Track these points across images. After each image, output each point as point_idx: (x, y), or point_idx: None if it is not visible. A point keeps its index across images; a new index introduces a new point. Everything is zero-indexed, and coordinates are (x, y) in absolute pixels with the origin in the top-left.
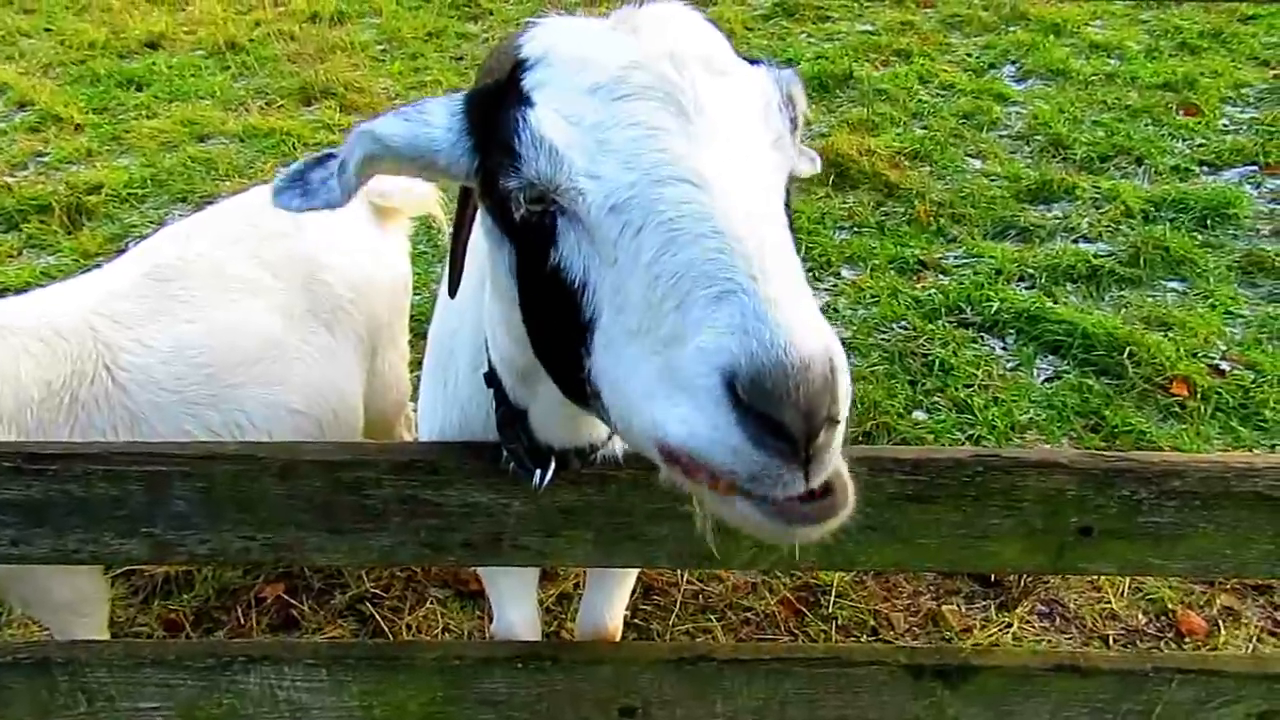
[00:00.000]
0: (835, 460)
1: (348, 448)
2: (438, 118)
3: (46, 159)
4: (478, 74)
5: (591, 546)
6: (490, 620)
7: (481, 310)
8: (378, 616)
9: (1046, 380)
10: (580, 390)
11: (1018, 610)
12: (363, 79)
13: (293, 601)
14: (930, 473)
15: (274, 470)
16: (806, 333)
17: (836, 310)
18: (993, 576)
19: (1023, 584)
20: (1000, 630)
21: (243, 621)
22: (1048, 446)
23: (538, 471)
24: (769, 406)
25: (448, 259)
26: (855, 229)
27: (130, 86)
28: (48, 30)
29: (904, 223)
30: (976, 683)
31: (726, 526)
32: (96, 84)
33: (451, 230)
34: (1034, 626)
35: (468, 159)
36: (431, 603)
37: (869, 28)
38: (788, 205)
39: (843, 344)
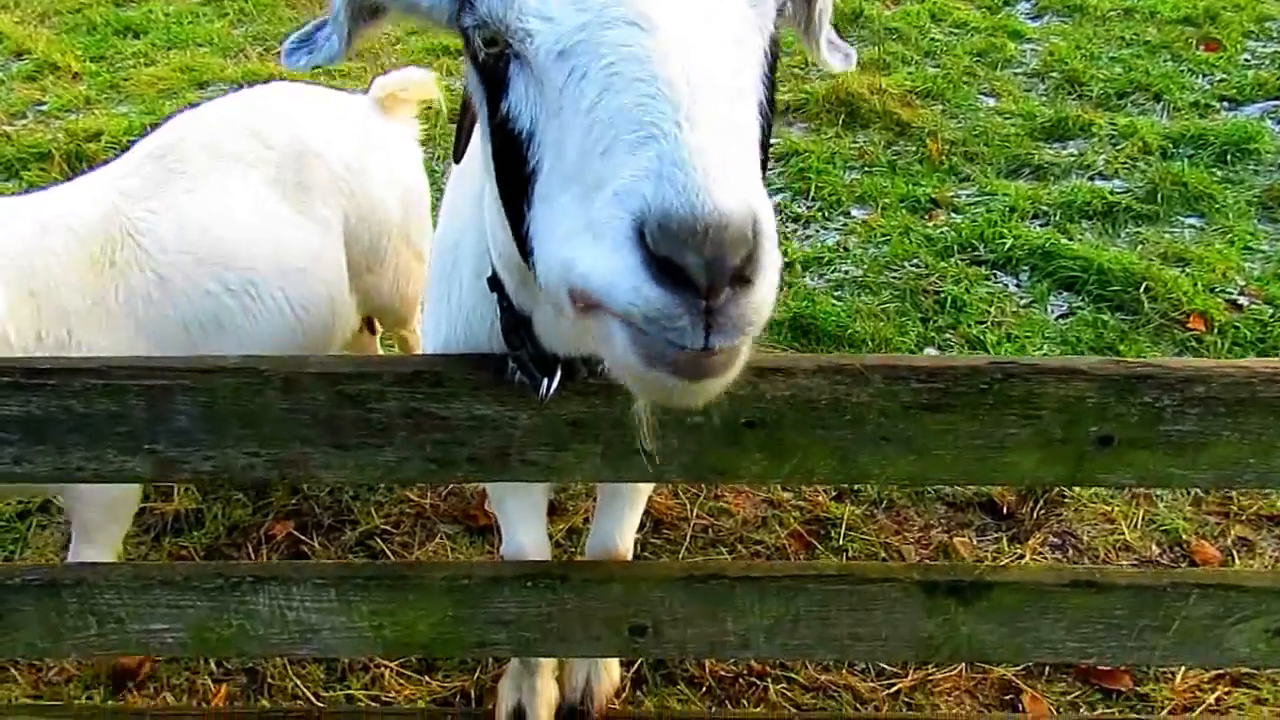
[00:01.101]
0: (750, 327)
1: (351, 360)
2: None
3: (45, 107)
4: None
5: (600, 460)
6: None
7: (484, 217)
8: (388, 551)
9: (1060, 316)
10: (524, 249)
11: (1030, 542)
12: None
13: (303, 538)
14: (947, 380)
15: (276, 383)
16: (726, 186)
17: (847, 249)
18: (1005, 508)
19: (1034, 516)
20: (1012, 561)
21: (253, 558)
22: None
23: (544, 380)
24: (672, 250)
25: (455, 129)
26: (866, 168)
27: (128, 34)
28: None
29: (915, 161)
30: (991, 599)
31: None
32: (93, 32)
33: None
34: (1046, 558)
35: (448, 1)
36: (441, 538)
37: None
38: (771, 74)
39: (853, 283)
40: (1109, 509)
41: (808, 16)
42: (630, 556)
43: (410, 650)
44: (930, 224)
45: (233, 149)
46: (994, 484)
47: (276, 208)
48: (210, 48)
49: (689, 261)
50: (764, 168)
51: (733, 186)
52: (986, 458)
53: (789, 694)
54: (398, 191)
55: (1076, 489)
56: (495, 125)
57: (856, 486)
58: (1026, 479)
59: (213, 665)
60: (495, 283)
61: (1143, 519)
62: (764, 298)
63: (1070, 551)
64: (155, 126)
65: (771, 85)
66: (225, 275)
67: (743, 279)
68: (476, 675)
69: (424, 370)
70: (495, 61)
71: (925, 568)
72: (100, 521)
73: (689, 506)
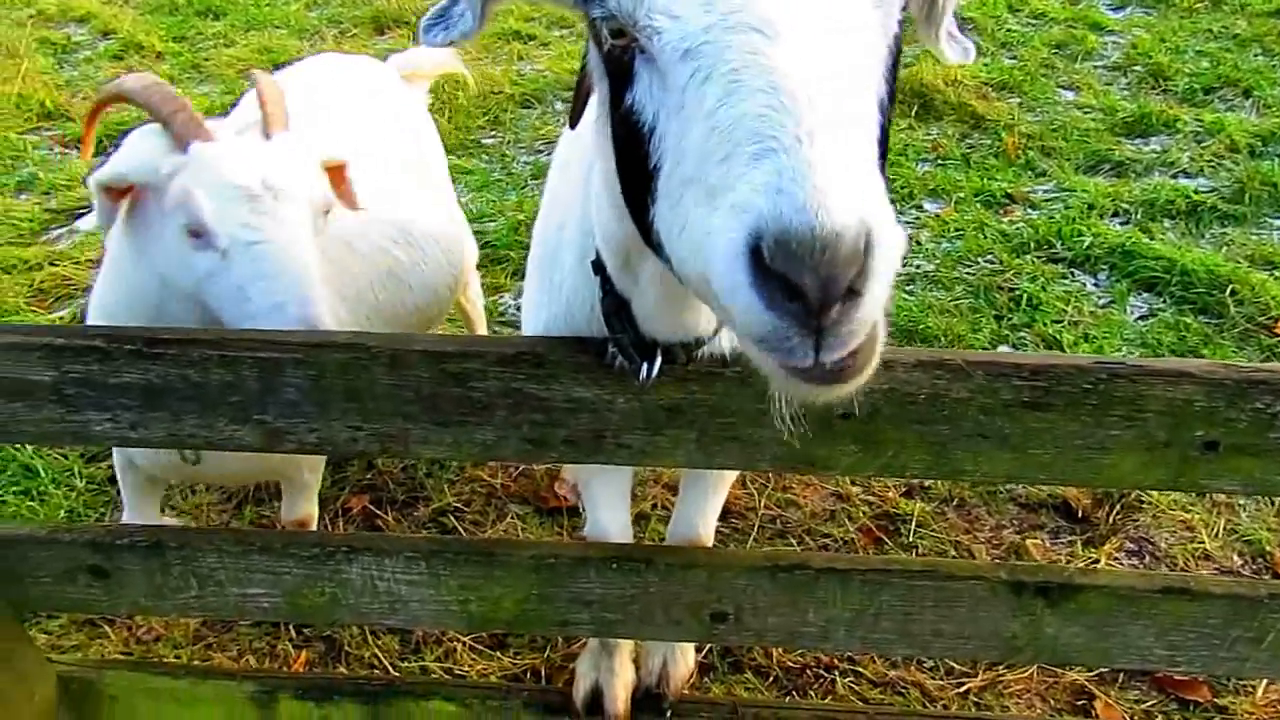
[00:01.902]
0: (856, 339)
1: (455, 340)
2: None
3: None
4: None
5: (694, 447)
6: (568, 532)
7: (589, 205)
8: (460, 529)
9: (1140, 318)
10: (651, 240)
11: (1105, 547)
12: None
13: (377, 512)
14: (1050, 379)
15: (383, 360)
16: (843, 201)
17: (919, 244)
18: (1079, 511)
19: (1110, 520)
20: (1086, 566)
21: (329, 529)
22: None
23: (644, 365)
24: (787, 268)
25: (573, 96)
26: (939, 161)
27: (208, 15)
28: None
29: (990, 155)
30: (1079, 601)
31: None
32: (175, 13)
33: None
34: (1121, 564)
35: None
36: (511, 518)
37: None
38: (893, 73)
39: (925, 277)
40: (1189, 517)
41: (930, 4)
42: (711, 543)
43: (494, 625)
44: (1005, 219)
45: (375, 121)
46: (1092, 485)
47: (404, 173)
48: (287, 30)
49: (804, 281)
50: (884, 161)
51: (849, 201)
52: (1086, 459)
53: (856, 688)
54: (424, 149)
55: (1154, 494)
56: (619, 116)
57: (927, 483)
58: (1126, 481)
59: (293, 631)
60: (598, 266)
61: (1224, 528)
62: (870, 312)
63: (1147, 559)
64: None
65: (893, 79)
66: (397, 233)
67: (853, 291)
68: (547, 654)
69: (526, 352)
70: (621, 54)
71: (1013, 567)
72: (315, 481)
73: (757, 497)
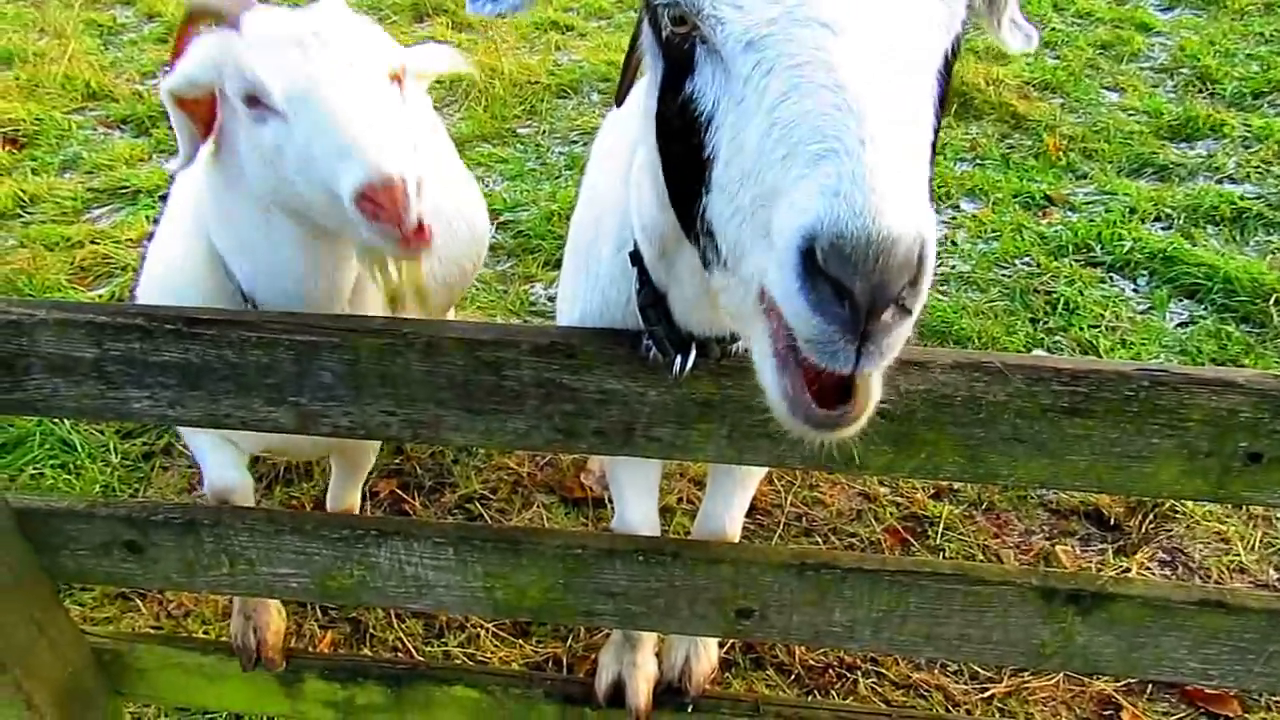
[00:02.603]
0: (893, 352)
1: (490, 328)
2: None
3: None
4: None
5: (725, 442)
6: (593, 523)
7: (628, 196)
8: (485, 516)
9: (1180, 325)
10: (694, 229)
11: (1137, 556)
12: None
13: (404, 496)
14: (1090, 385)
15: (418, 346)
16: (901, 208)
17: (955, 244)
18: (1111, 519)
19: (1143, 529)
20: (1117, 574)
21: (357, 512)
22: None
23: (678, 358)
24: (841, 272)
25: (620, 73)
26: (978, 161)
27: None
28: None
29: (1031, 156)
30: (1112, 611)
31: None
32: None
33: (629, 47)
34: (1153, 573)
35: None
36: (538, 506)
37: None
38: (949, 68)
39: (960, 278)
40: (1224, 528)
41: None
42: (738, 539)
43: (518, 613)
44: (1044, 221)
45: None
46: (1129, 494)
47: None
48: None
49: (856, 287)
50: (932, 164)
51: (906, 208)
52: (1124, 466)
53: (879, 689)
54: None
55: (1189, 504)
56: (676, 104)
57: (956, 486)
58: (1164, 491)
59: (319, 612)
60: (636, 257)
61: (1261, 541)
62: (909, 327)
63: (1180, 569)
64: None
65: (948, 79)
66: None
67: (901, 305)
68: (569, 643)
69: (560, 342)
70: (681, 42)
71: (1045, 574)
72: (368, 465)
73: (783, 494)
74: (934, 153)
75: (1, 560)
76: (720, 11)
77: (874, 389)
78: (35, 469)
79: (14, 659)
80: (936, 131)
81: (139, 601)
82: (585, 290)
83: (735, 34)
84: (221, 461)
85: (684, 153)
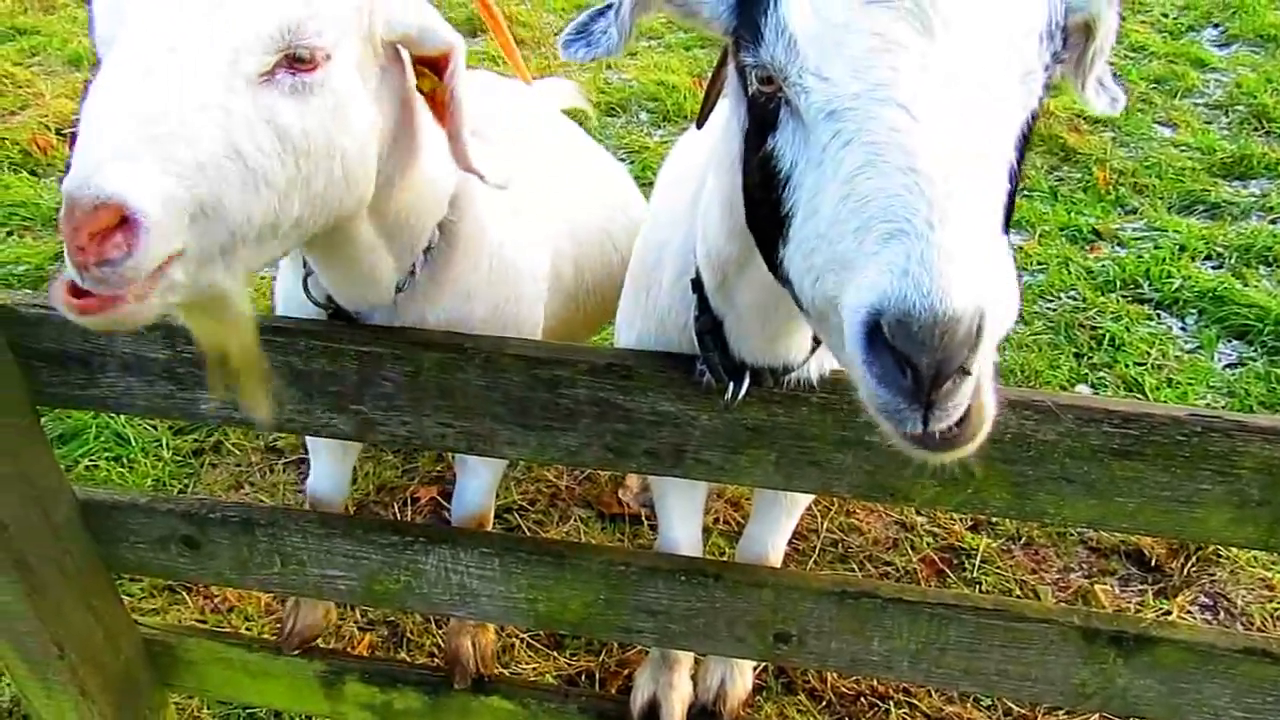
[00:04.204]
0: (960, 411)
1: (548, 346)
2: None
3: None
4: None
5: (773, 468)
6: (629, 538)
7: (692, 226)
8: (524, 527)
9: (1229, 366)
10: (777, 274)
11: (1177, 599)
12: (528, 13)
13: (444, 503)
14: (1142, 428)
15: (478, 361)
16: (964, 288)
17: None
18: (1153, 560)
19: (1185, 572)
20: (1157, 617)
21: (398, 518)
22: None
23: (731, 385)
24: (906, 347)
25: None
26: (1025, 192)
27: None
28: None
29: (1080, 189)
30: (1154, 654)
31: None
32: None
33: (711, 72)
34: (1194, 617)
35: (728, 16)
36: (575, 520)
37: None
38: (1026, 140)
39: None
40: (1269, 575)
41: (1081, 55)
42: (780, 564)
43: (559, 626)
44: (1091, 256)
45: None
46: (1178, 538)
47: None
48: None
49: (921, 362)
50: (1007, 223)
51: (969, 289)
52: (1173, 511)
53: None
54: None
55: (1234, 548)
56: (759, 157)
57: (994, 519)
58: (1214, 537)
59: (359, 614)
60: (697, 284)
61: None
62: (973, 387)
63: (1221, 614)
64: None
65: (1026, 142)
66: (617, 208)
67: (963, 370)
68: (602, 657)
69: (616, 363)
70: (767, 101)
71: (1087, 614)
72: (501, 470)
73: (819, 519)
74: (1010, 212)
75: (65, 549)
76: (806, 81)
77: (987, 409)
78: (90, 461)
79: (72, 645)
80: (1013, 195)
81: (185, 594)
82: (644, 314)
83: (818, 103)
84: (320, 472)
85: (765, 203)
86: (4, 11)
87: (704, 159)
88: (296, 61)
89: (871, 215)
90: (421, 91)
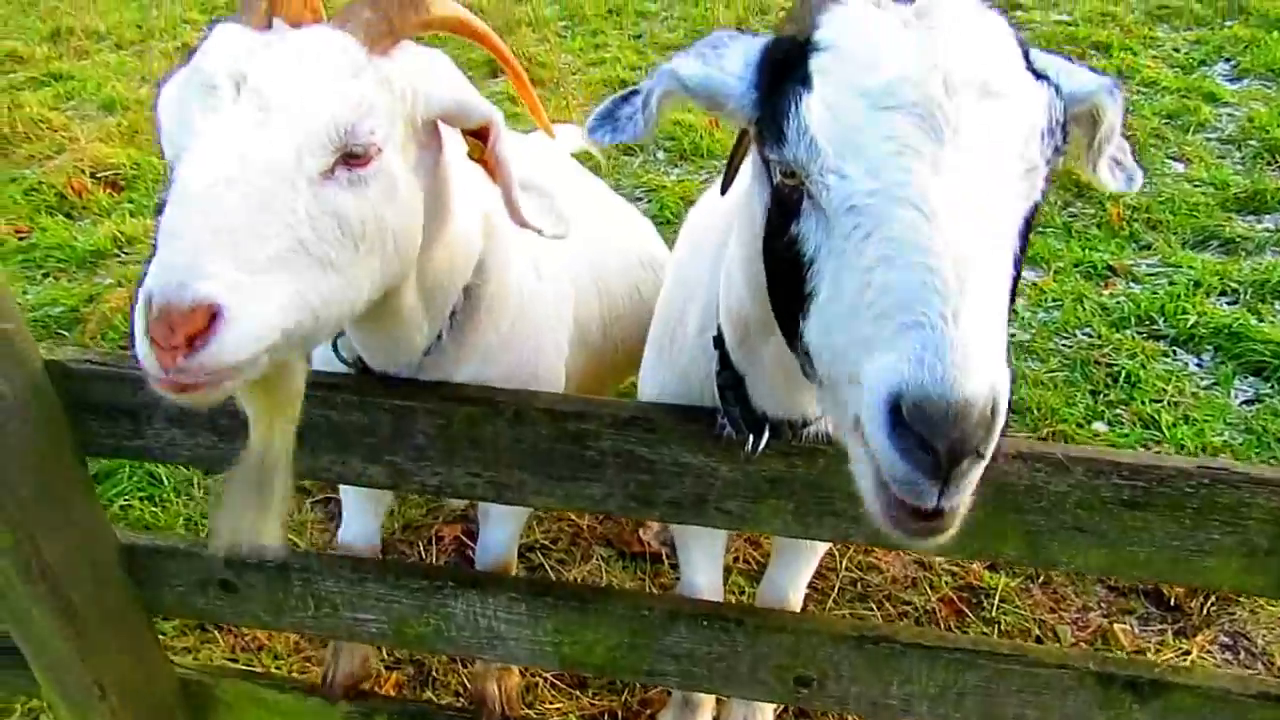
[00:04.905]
0: (970, 488)
1: (575, 400)
2: (733, 64)
3: None
4: (784, 19)
5: (791, 517)
6: (650, 577)
7: (714, 283)
8: (546, 566)
9: (1245, 402)
10: (795, 346)
11: (1197, 639)
12: (546, 53)
13: (468, 542)
14: (1150, 480)
15: (508, 415)
16: (977, 375)
17: (1014, 312)
18: (1172, 599)
19: (1205, 612)
20: (1177, 657)
21: (423, 557)
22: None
23: (751, 437)
24: (924, 430)
25: (725, 166)
26: (1039, 229)
27: None
28: None
29: (1093, 225)
30: (1170, 700)
31: None
32: None
33: (735, 142)
34: (1214, 658)
35: (752, 109)
36: (597, 560)
37: (1065, 18)
38: (1030, 224)
39: (1019, 347)
40: None
41: (1090, 140)
42: (799, 608)
43: (584, 669)
44: (1106, 292)
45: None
46: (1190, 585)
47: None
48: None
49: (939, 445)
50: (1013, 302)
51: (983, 374)
52: (1183, 560)
53: None
54: None
55: None
56: (782, 241)
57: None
58: (1226, 585)
59: (384, 652)
60: (718, 341)
61: None
62: (984, 466)
63: (1242, 654)
64: None
65: (1030, 228)
66: (644, 254)
67: (978, 454)
68: (624, 697)
69: (639, 416)
70: (790, 192)
71: (1102, 659)
72: (525, 518)
73: (838, 558)
74: (1014, 294)
75: (107, 593)
76: (827, 179)
77: (963, 508)
78: (125, 501)
79: (112, 687)
80: (1016, 279)
81: (216, 633)
82: (668, 368)
83: (839, 199)
84: (352, 523)
85: (787, 281)
86: (39, 58)
87: (726, 219)
88: (352, 157)
89: (891, 305)
90: (471, 158)
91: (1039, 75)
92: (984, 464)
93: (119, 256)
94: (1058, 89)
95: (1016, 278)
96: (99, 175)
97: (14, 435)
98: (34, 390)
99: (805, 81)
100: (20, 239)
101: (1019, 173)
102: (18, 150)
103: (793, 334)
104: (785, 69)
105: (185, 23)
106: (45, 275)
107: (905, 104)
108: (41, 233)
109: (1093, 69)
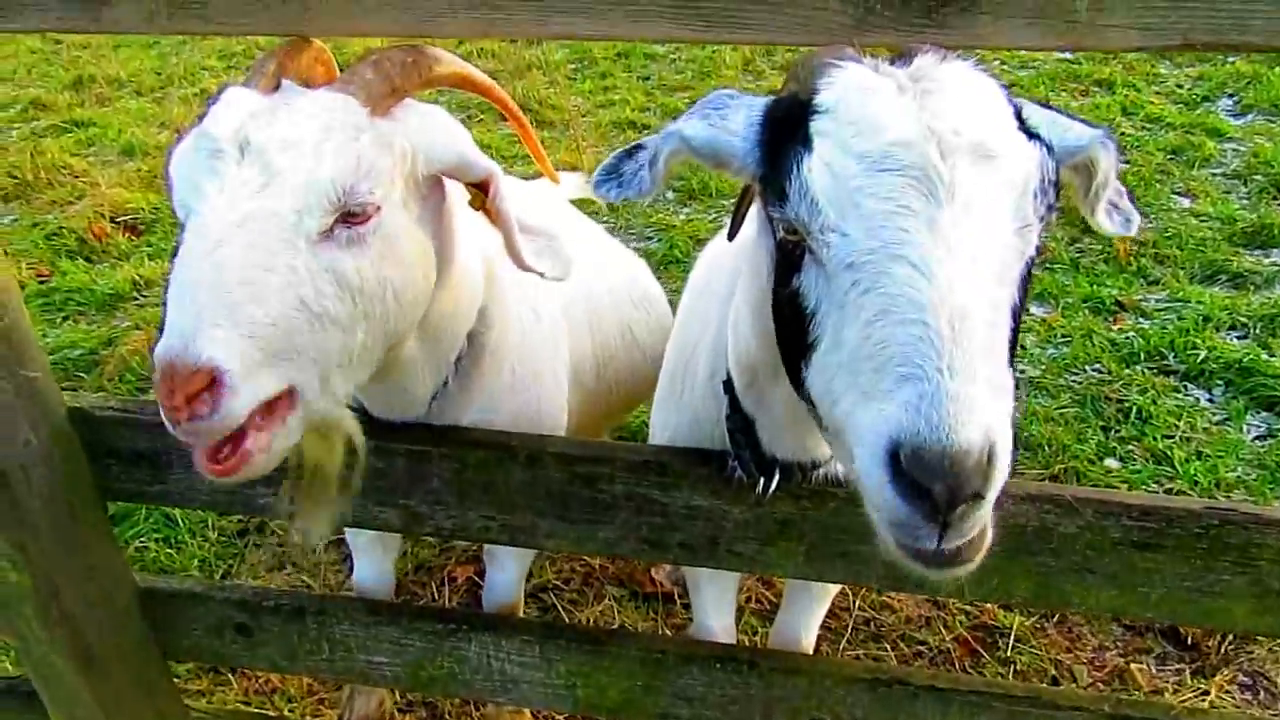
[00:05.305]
0: (975, 529)
1: (587, 444)
2: (737, 125)
3: None
4: (786, 79)
5: (802, 559)
6: (662, 617)
7: (723, 327)
8: (559, 606)
9: (1258, 438)
10: (800, 391)
11: (1216, 678)
12: (556, 96)
13: (480, 583)
14: (1159, 521)
15: (521, 459)
16: (972, 424)
17: (1024, 348)
18: (1189, 639)
19: (1223, 651)
20: (1195, 697)
21: (436, 597)
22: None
23: (762, 480)
24: (921, 476)
25: (731, 215)
26: (1047, 265)
27: None
28: None
29: (1101, 260)
30: None
31: None
32: None
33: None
34: (1234, 698)
35: (755, 168)
36: (609, 600)
37: (1067, 55)
38: (1027, 279)
39: (1029, 383)
40: None
41: (1087, 188)
42: (812, 649)
43: (598, 711)
44: (1115, 328)
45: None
46: (1202, 626)
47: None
48: None
49: (935, 489)
50: (1012, 353)
51: (978, 423)
52: (1195, 601)
53: None
54: None
55: None
56: (786, 293)
57: None
58: (1238, 626)
59: (398, 696)
60: (728, 385)
61: None
62: (988, 511)
63: (1261, 694)
64: None
65: (1027, 282)
66: (637, 292)
67: (977, 496)
68: None
69: (651, 460)
70: (793, 247)
71: (1118, 700)
72: (529, 561)
73: (851, 598)
74: (1015, 344)
75: (123, 636)
76: (828, 237)
77: (988, 537)
78: (140, 543)
79: None
80: (1016, 328)
81: (230, 676)
82: (678, 412)
83: (839, 256)
84: (365, 568)
85: (791, 330)
86: (62, 105)
87: (733, 264)
88: (351, 216)
89: (888, 358)
90: (472, 206)
91: (1031, 134)
92: (986, 506)
93: (137, 299)
94: (1049, 148)
95: (1016, 328)
96: (118, 219)
97: (39, 481)
98: (58, 436)
99: (807, 143)
100: (41, 282)
101: (1013, 229)
102: (40, 196)
103: (798, 380)
104: (787, 129)
105: (204, 69)
106: (65, 318)
107: (902, 167)
108: (62, 276)
109: (1085, 121)
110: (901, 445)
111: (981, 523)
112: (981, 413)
